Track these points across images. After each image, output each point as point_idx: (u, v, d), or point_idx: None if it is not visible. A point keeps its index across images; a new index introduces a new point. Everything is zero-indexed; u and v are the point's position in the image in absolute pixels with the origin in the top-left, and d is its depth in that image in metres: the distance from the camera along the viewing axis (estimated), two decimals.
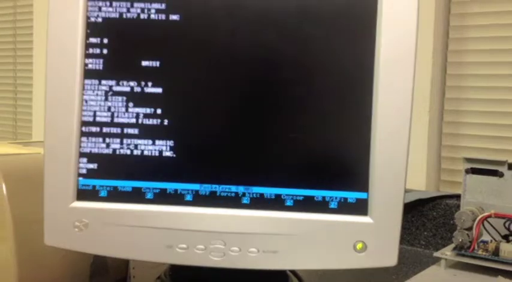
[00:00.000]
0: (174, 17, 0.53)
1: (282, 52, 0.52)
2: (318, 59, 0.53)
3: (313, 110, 0.53)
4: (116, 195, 0.53)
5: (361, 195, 0.52)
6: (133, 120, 0.53)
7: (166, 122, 0.53)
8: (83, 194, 0.53)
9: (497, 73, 1.01)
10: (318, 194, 0.53)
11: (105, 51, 0.53)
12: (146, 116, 0.53)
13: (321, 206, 0.53)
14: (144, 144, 0.53)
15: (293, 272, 0.59)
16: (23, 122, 1.79)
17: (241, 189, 0.53)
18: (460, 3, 1.03)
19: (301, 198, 0.53)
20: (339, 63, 0.52)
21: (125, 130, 0.53)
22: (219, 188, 0.53)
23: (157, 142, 0.53)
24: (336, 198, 0.53)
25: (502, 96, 1.00)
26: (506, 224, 0.77)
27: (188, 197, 0.53)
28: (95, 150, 0.53)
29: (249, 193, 0.53)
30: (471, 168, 0.82)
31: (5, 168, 0.58)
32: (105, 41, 0.53)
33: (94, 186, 0.53)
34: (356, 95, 0.52)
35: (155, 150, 0.53)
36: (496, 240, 0.78)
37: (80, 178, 0.53)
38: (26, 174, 0.59)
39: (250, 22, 0.52)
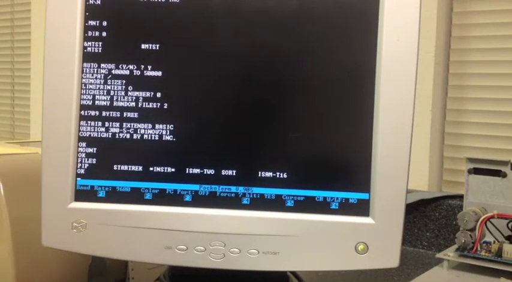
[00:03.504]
0: None
1: (283, 39, 0.52)
2: (318, 58, 0.52)
3: (314, 109, 0.52)
4: (114, 196, 0.53)
5: (363, 195, 0.52)
6: (133, 104, 0.53)
7: (166, 105, 0.52)
8: (81, 195, 0.53)
9: (500, 72, 1.00)
10: (319, 194, 0.52)
11: (104, 34, 0.53)
12: (146, 99, 0.53)
13: (322, 207, 0.52)
14: (144, 128, 0.53)
15: (293, 273, 0.59)
16: (21, 122, 1.79)
17: (241, 189, 0.52)
18: (463, 1, 1.03)
19: (302, 198, 0.52)
20: (340, 62, 0.52)
21: (125, 114, 0.53)
22: (218, 189, 0.52)
23: (157, 126, 0.52)
24: (337, 198, 0.52)
25: (505, 96, 1.00)
26: (509, 225, 0.77)
27: (187, 198, 0.52)
28: (94, 134, 0.53)
29: (249, 193, 0.52)
30: (474, 168, 0.82)
31: (2, 168, 0.57)
32: (105, 23, 0.53)
33: (92, 187, 0.53)
34: (358, 95, 0.52)
35: (155, 134, 0.52)
36: (499, 241, 0.77)
37: (78, 178, 0.53)
38: (23, 175, 0.59)
39: (251, 5, 0.52)
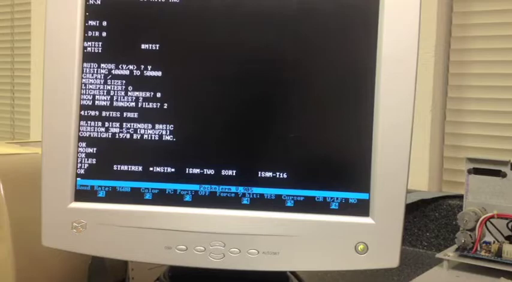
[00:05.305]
0: None
1: (283, 39, 0.52)
2: (318, 57, 0.52)
3: (314, 110, 0.52)
4: (114, 196, 0.53)
5: (363, 195, 0.52)
6: (133, 104, 0.53)
7: (166, 105, 0.52)
8: (81, 195, 0.53)
9: (500, 72, 1.00)
10: (318, 194, 0.52)
11: (104, 34, 0.53)
12: (146, 99, 0.53)
13: (322, 207, 0.52)
14: (144, 128, 0.53)
15: (294, 273, 0.59)
16: (21, 122, 1.79)
17: (241, 189, 0.52)
18: (463, 1, 1.03)
19: (301, 198, 0.52)
20: (340, 62, 0.52)
21: (125, 114, 0.53)
22: (218, 189, 0.52)
23: (157, 126, 0.53)
24: (337, 198, 0.52)
25: (505, 96, 1.00)
26: (509, 225, 0.77)
27: (187, 198, 0.52)
28: (94, 134, 0.53)
29: (249, 193, 0.52)
30: (474, 168, 0.82)
31: (2, 168, 0.57)
32: (104, 23, 0.53)
33: (92, 187, 0.53)
34: (357, 95, 0.52)
35: (155, 134, 0.53)
36: (498, 241, 0.77)
37: (78, 178, 0.53)
38: (23, 175, 0.59)
39: (251, 5, 0.52)
